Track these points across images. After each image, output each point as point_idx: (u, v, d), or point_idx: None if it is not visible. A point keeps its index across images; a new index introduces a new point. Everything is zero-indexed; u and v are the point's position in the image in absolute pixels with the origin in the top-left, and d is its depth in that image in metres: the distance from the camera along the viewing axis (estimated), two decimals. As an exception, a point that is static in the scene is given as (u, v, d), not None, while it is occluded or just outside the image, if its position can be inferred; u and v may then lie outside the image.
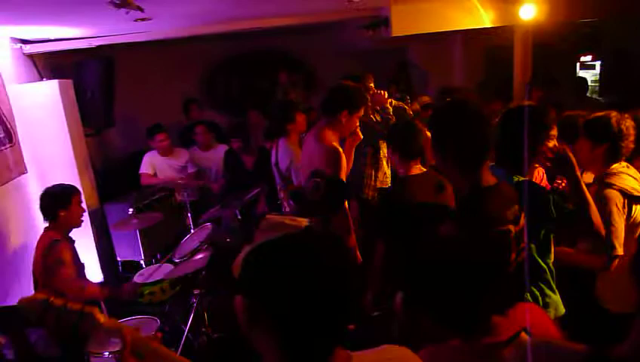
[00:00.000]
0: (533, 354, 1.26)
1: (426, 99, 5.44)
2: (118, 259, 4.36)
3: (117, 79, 4.66)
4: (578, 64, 8.23)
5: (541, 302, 2.04)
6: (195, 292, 3.09)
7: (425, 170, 2.50)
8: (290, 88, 6.25)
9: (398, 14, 4.75)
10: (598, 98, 7.67)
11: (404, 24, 4.82)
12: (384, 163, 3.74)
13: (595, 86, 8.22)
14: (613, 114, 2.34)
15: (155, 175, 4.80)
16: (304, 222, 1.79)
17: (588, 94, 7.02)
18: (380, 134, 3.58)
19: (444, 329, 1.52)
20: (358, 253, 2.94)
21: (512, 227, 1.67)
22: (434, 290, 1.66)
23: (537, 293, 2.02)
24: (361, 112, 2.97)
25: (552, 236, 2.03)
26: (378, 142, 3.69)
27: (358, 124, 2.98)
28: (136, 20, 3.29)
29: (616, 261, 2.24)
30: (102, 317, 1.73)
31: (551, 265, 2.05)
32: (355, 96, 2.89)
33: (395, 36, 4.76)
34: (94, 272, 4.02)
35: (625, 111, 2.44)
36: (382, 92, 3.74)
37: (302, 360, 1.03)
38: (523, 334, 1.29)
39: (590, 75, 8.25)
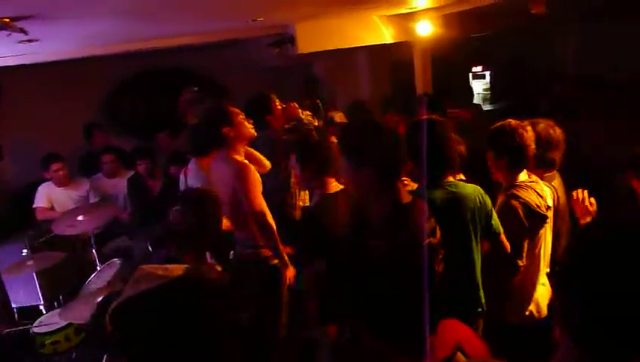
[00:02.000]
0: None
1: (339, 114, 5.51)
2: (14, 305, 3.91)
3: (3, 106, 4.24)
4: (470, 75, 8.82)
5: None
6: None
7: (342, 186, 2.45)
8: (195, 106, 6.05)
9: (303, 32, 4.79)
10: (488, 105, 8.30)
11: (309, 41, 4.88)
12: None
13: (487, 94, 8.87)
14: (513, 124, 2.41)
15: (52, 208, 4.40)
16: (177, 270, 1.70)
17: (478, 102, 7.58)
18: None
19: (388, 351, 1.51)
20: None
21: (432, 240, 1.70)
22: (371, 304, 1.67)
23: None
24: (238, 112, 2.90)
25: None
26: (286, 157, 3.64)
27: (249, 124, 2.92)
28: (20, 42, 2.99)
29: (519, 272, 2.36)
30: None
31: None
32: (219, 113, 2.86)
33: (301, 53, 4.80)
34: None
35: (517, 117, 2.57)
36: (292, 104, 3.71)
37: None
38: (459, 354, 1.30)
39: (481, 85, 8.88)
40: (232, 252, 3.04)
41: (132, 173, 4.62)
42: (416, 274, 1.53)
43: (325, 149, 2.46)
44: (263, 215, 2.84)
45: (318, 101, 4.53)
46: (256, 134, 3.03)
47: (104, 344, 2.76)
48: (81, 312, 2.69)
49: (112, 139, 5.53)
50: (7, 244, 3.89)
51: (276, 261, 2.93)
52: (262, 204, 2.86)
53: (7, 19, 2.19)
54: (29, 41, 2.95)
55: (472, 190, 2.21)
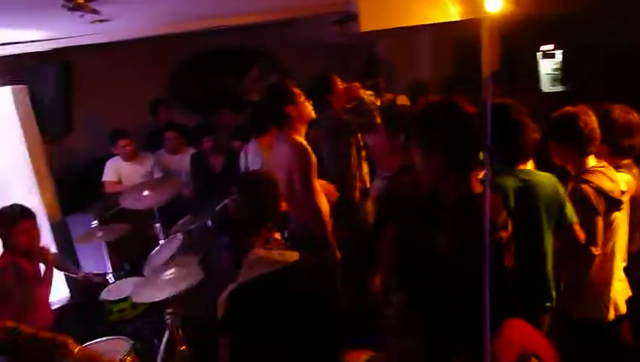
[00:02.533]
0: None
1: (402, 97, 5.35)
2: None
3: (76, 82, 4.43)
4: (539, 53, 8.33)
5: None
6: (169, 310, 2.94)
7: None
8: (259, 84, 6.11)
9: (366, 9, 4.67)
10: (559, 86, 7.81)
11: (372, 19, 4.75)
12: (364, 165, 3.65)
13: (557, 75, 8.37)
14: (573, 110, 2.31)
15: (119, 182, 4.60)
16: (294, 256, 1.68)
17: (549, 83, 7.15)
18: (364, 128, 3.47)
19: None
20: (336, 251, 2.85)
21: (503, 233, 1.61)
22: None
23: None
24: (300, 92, 2.86)
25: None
26: (359, 139, 3.59)
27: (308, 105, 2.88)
28: (92, 22, 3.09)
29: (594, 262, 2.23)
30: (75, 347, 1.62)
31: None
32: (281, 90, 2.83)
33: (363, 31, 4.69)
34: (60, 288, 3.81)
35: (587, 102, 2.41)
36: (354, 84, 3.63)
37: None
38: (533, 360, 1.23)
39: (551, 64, 8.39)
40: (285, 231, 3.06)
41: (194, 149, 4.73)
42: (484, 269, 1.46)
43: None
44: (316, 198, 2.83)
45: (379, 81, 4.41)
46: (315, 116, 3.00)
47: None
48: (152, 292, 2.78)
49: (176, 115, 5.68)
50: (79, 215, 4.10)
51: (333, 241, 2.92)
52: (316, 186, 2.85)
53: (82, 0, 2.25)
54: (101, 21, 3.04)
55: (547, 179, 2.10)
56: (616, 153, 2.47)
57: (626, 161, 2.52)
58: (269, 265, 1.60)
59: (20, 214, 2.93)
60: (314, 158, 2.83)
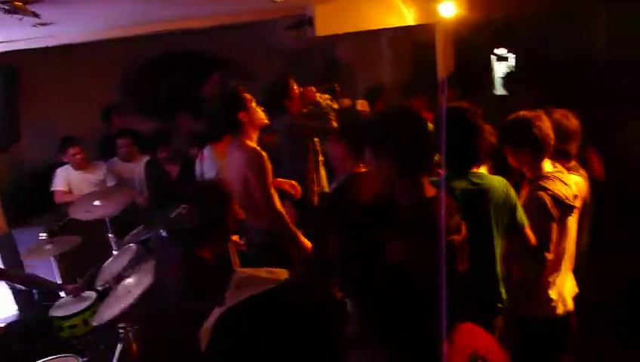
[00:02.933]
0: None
1: (362, 102, 5.34)
2: (34, 290, 3.96)
3: (24, 88, 4.24)
4: (493, 57, 8.56)
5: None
6: (121, 324, 2.83)
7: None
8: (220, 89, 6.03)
9: (322, 14, 4.67)
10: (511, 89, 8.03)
11: (328, 24, 4.76)
12: (321, 166, 3.64)
13: (510, 78, 8.61)
14: (528, 115, 2.35)
15: (70, 192, 4.42)
16: (283, 274, 1.64)
17: (501, 86, 7.35)
18: (320, 132, 3.45)
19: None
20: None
21: (455, 237, 1.62)
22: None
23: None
24: (251, 98, 2.84)
25: None
26: (315, 144, 3.58)
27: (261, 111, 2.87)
28: (35, 26, 2.96)
29: (546, 265, 2.28)
30: None
31: None
32: (233, 97, 2.81)
33: (320, 36, 4.70)
34: (8, 306, 3.64)
35: (540, 106, 2.47)
36: (310, 88, 3.62)
37: None
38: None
39: (505, 67, 8.63)
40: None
41: (149, 157, 4.60)
42: (436, 273, 1.46)
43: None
44: (274, 203, 2.80)
45: (336, 85, 4.41)
46: (272, 121, 2.97)
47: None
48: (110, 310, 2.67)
49: (130, 121, 5.52)
50: (27, 227, 3.92)
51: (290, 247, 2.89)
52: (272, 191, 2.83)
53: (19, 3, 2.15)
54: (43, 24, 2.92)
55: (498, 182, 2.13)
56: (556, 157, 2.51)
57: (571, 164, 2.60)
58: (258, 285, 1.54)
59: None
60: (269, 164, 2.80)
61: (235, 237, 2.75)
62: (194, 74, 6.02)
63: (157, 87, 6.28)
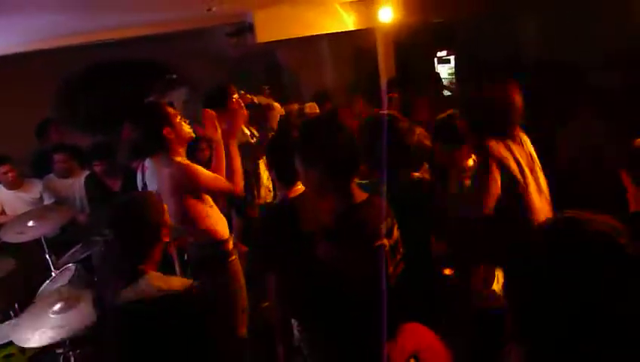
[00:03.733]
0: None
1: (311, 105, 5.33)
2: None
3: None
4: (435, 59, 8.82)
5: None
6: (59, 351, 2.70)
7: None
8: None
9: (262, 20, 4.67)
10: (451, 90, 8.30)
11: (269, 30, 4.76)
12: (264, 177, 3.60)
13: (452, 79, 8.90)
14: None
15: (2, 212, 4.19)
16: (176, 283, 1.60)
17: (445, 85, 7.57)
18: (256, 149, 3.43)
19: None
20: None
21: (386, 241, 1.64)
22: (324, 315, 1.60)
23: None
24: (176, 113, 2.69)
25: None
26: (256, 159, 3.54)
27: (183, 122, 2.69)
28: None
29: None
30: None
31: None
32: (156, 112, 2.66)
33: (260, 42, 4.68)
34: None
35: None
36: (242, 93, 3.54)
37: None
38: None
39: (447, 69, 8.90)
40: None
41: (88, 172, 4.43)
42: (370, 277, 1.48)
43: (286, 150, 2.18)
44: (203, 219, 2.66)
45: (266, 87, 4.39)
46: (194, 135, 2.86)
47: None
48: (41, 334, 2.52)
49: (67, 136, 5.29)
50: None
51: (234, 257, 2.83)
52: (204, 206, 2.68)
53: None
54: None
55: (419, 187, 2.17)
56: None
57: None
58: (152, 290, 1.52)
59: None
60: (200, 176, 2.63)
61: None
62: (129, 83, 5.87)
63: (92, 100, 6.05)
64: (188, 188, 2.55)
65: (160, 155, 2.61)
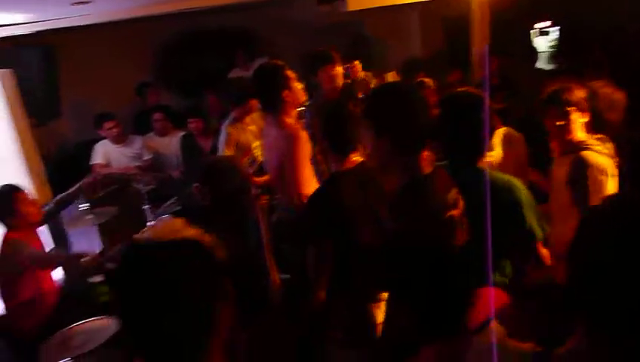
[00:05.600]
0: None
1: (392, 74, 5.28)
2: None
3: (62, 66, 4.41)
4: (533, 32, 8.28)
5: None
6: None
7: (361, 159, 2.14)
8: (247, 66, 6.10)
9: (353, -12, 4.64)
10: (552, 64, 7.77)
11: (360, -2, 4.73)
12: None
13: (552, 52, 8.33)
14: (566, 87, 2.32)
15: (108, 165, 4.61)
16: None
17: (543, 60, 7.11)
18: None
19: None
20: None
21: (454, 212, 1.62)
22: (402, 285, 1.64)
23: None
24: (294, 77, 2.79)
25: None
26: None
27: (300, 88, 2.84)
28: (74, 4, 3.08)
29: None
30: None
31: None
32: (276, 74, 2.74)
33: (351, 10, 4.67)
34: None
35: (580, 79, 2.43)
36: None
37: None
38: (493, 323, 1.26)
39: (546, 42, 8.34)
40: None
41: (183, 132, 4.74)
42: (436, 248, 1.48)
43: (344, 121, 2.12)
44: (302, 185, 2.74)
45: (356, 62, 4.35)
46: (307, 98, 2.95)
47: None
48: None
49: (164, 98, 5.66)
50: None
51: None
52: (305, 174, 2.76)
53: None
54: (82, 2, 3.02)
55: (503, 181, 1.98)
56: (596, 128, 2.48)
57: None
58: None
59: (14, 187, 3.02)
60: (306, 144, 2.73)
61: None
62: (222, 51, 6.10)
63: (186, 65, 6.36)
64: (294, 152, 2.64)
65: (273, 115, 2.73)
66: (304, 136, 2.73)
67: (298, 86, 2.79)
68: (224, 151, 3.66)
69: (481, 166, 1.95)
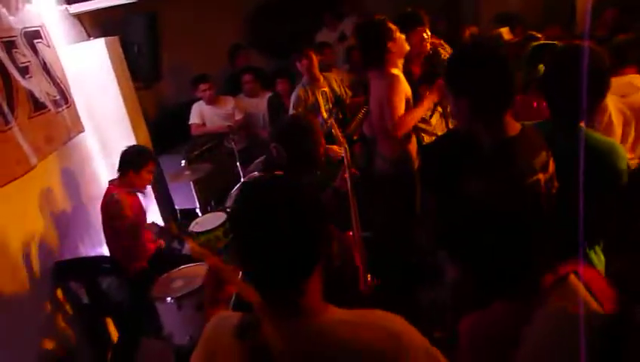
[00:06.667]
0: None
1: (506, 30, 4.96)
2: (176, 207, 4.59)
3: (162, 32, 4.68)
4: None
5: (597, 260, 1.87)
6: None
7: None
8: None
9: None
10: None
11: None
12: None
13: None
14: None
15: (203, 124, 4.92)
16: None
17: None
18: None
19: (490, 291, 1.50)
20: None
21: (541, 176, 1.57)
22: (475, 247, 1.64)
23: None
24: (396, 28, 2.86)
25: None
26: None
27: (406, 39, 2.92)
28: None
29: None
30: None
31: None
32: (380, 27, 2.82)
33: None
34: (156, 220, 4.26)
35: None
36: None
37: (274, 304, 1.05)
38: (572, 276, 1.24)
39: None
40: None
41: (271, 93, 4.90)
42: (522, 212, 1.46)
43: None
44: (399, 128, 2.84)
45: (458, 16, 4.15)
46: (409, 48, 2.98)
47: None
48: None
49: (254, 60, 5.84)
50: (169, 155, 4.47)
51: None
52: (398, 115, 2.83)
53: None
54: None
55: (608, 147, 1.79)
56: None
57: None
58: None
59: (152, 155, 3.42)
60: (403, 87, 2.84)
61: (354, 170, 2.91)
62: (310, 12, 6.11)
63: (275, 28, 6.46)
64: (392, 95, 2.79)
65: (378, 67, 2.87)
66: (402, 79, 2.84)
67: (402, 37, 2.88)
68: (293, 112, 3.84)
69: (581, 127, 1.78)
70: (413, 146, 3.06)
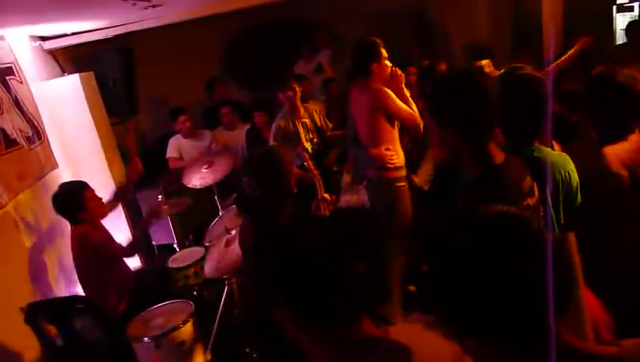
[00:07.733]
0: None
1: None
2: (154, 243, 4.49)
3: (138, 66, 4.68)
4: (615, 7, 7.73)
5: None
6: (225, 276, 3.15)
7: None
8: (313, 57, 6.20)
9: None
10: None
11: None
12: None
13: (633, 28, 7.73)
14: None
15: (181, 158, 4.88)
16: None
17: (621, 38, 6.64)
18: None
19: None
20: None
21: (529, 200, 1.61)
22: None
23: None
24: (385, 56, 3.12)
25: None
26: None
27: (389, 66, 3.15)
28: (146, 8, 3.28)
29: None
30: None
31: None
32: (373, 47, 3.09)
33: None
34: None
35: None
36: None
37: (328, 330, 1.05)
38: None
39: (627, 18, 7.76)
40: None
41: (249, 125, 4.91)
42: (520, 242, 1.46)
43: None
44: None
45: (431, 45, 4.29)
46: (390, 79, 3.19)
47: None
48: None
49: (232, 92, 5.87)
50: (146, 190, 4.40)
51: (403, 184, 3.11)
52: (392, 133, 3.12)
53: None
54: (154, 6, 3.21)
55: (562, 159, 1.90)
56: None
57: None
58: None
59: (83, 184, 3.17)
60: (392, 100, 3.06)
61: (326, 195, 2.97)
62: (286, 43, 6.21)
63: (251, 59, 6.52)
64: (381, 109, 3.03)
65: (363, 82, 3.11)
66: (389, 94, 3.07)
67: (387, 64, 3.14)
68: (273, 143, 3.89)
69: (537, 146, 1.88)
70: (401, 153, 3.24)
